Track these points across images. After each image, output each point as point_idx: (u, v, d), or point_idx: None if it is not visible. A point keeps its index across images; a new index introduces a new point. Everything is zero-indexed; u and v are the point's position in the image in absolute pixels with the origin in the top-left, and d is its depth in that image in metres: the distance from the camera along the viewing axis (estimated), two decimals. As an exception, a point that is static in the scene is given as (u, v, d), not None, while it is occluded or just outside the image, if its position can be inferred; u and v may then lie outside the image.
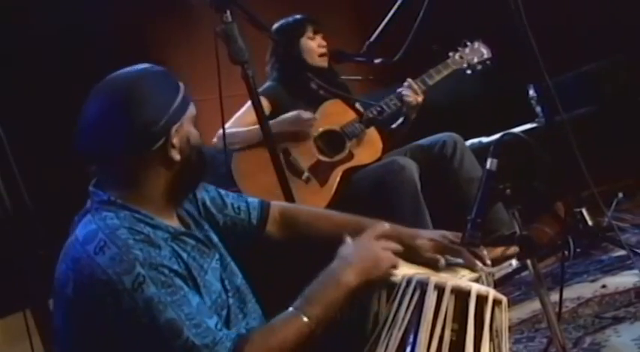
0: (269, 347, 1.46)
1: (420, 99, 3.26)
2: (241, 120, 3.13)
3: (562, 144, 2.86)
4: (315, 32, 3.34)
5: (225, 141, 2.51)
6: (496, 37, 3.22)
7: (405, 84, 3.26)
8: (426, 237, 1.80)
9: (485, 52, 3.34)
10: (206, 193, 1.80)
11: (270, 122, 2.63)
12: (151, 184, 1.55)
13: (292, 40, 3.31)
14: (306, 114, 3.14)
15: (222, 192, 1.84)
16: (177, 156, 1.54)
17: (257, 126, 2.47)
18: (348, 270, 1.52)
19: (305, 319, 1.47)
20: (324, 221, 1.90)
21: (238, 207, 1.84)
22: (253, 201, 1.88)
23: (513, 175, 1.87)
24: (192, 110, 1.59)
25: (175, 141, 1.53)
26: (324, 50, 3.34)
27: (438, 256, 1.75)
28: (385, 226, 1.65)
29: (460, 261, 1.75)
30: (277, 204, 1.92)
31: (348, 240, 1.62)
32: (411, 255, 1.74)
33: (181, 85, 1.59)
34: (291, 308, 1.49)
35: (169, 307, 1.41)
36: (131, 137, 1.51)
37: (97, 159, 1.56)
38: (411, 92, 3.24)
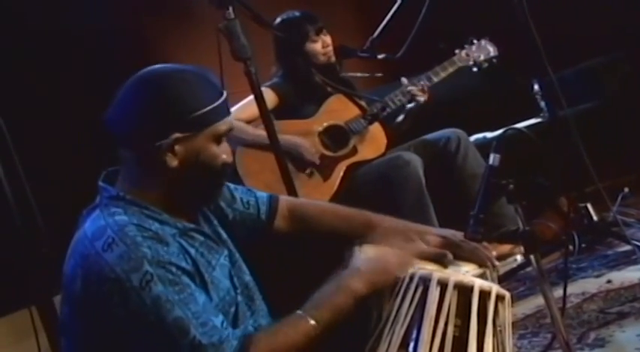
0: (275, 347, 1.47)
1: (426, 96, 3.27)
2: (243, 113, 3.12)
3: (566, 139, 2.85)
4: (317, 32, 3.30)
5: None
6: (500, 32, 3.21)
7: (407, 84, 3.25)
8: (435, 233, 1.80)
9: (492, 50, 3.35)
10: None
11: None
12: (151, 182, 1.54)
13: (296, 49, 3.28)
14: (309, 152, 3.13)
15: (232, 186, 1.83)
16: (173, 163, 1.51)
17: (264, 132, 2.47)
18: (357, 278, 1.53)
19: (312, 322, 1.47)
20: (331, 215, 1.89)
21: (247, 202, 1.83)
22: (262, 195, 1.88)
23: (517, 170, 1.86)
24: (218, 127, 1.54)
25: (178, 148, 1.51)
26: (329, 49, 3.33)
27: (445, 251, 1.73)
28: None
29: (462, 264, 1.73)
30: (285, 199, 1.92)
31: (357, 249, 1.63)
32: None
33: (217, 103, 1.54)
34: (298, 311, 1.50)
35: (176, 305, 1.41)
36: (137, 125, 1.52)
37: (115, 140, 1.56)
38: (420, 91, 3.25)
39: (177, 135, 1.51)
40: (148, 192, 1.54)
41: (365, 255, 1.58)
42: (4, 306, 2.98)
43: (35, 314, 2.50)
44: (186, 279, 1.45)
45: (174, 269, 1.44)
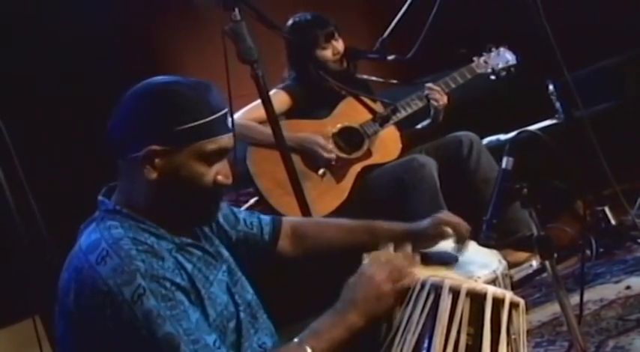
0: None
1: (445, 99, 3.26)
2: (253, 114, 3.09)
3: (583, 141, 2.81)
4: (328, 39, 3.26)
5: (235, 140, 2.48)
6: (514, 32, 3.18)
7: (427, 88, 3.24)
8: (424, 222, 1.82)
9: (510, 59, 3.35)
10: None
11: (284, 124, 2.57)
12: (137, 193, 1.52)
13: (306, 54, 3.26)
14: (326, 150, 3.12)
15: (235, 208, 1.83)
16: (151, 175, 1.47)
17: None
18: (353, 312, 1.50)
19: (309, 351, 1.45)
20: (334, 229, 1.91)
21: (251, 223, 1.82)
22: (265, 217, 1.87)
23: (531, 174, 1.83)
24: (203, 145, 1.47)
25: (158, 161, 1.47)
26: (338, 56, 3.29)
27: (444, 229, 1.77)
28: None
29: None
30: (289, 220, 1.92)
31: (365, 260, 1.60)
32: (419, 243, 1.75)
33: (206, 120, 1.46)
34: (295, 339, 1.47)
35: (168, 321, 1.39)
36: (123, 134, 1.50)
37: (109, 150, 1.54)
38: (437, 94, 3.23)
39: (155, 147, 1.46)
40: (136, 204, 1.51)
41: (361, 279, 1.54)
42: (8, 316, 2.97)
43: (39, 323, 2.49)
44: (179, 295, 1.43)
45: (168, 284, 1.42)
